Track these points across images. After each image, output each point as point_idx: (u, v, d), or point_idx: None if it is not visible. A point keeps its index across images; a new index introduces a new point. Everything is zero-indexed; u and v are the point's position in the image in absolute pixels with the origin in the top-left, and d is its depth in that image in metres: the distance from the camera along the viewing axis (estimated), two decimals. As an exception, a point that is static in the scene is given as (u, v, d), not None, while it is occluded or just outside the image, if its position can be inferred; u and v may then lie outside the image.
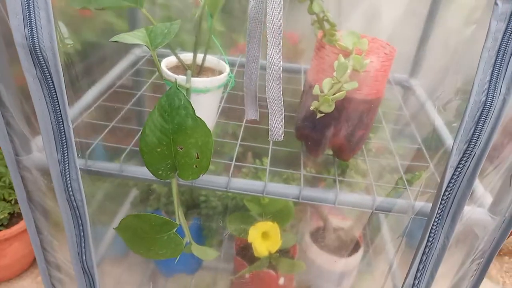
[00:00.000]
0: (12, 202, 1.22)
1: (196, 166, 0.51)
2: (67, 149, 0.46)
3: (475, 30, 0.56)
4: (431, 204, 0.51)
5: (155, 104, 0.49)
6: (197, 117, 0.48)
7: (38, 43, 0.39)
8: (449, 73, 0.70)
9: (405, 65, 0.95)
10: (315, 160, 0.73)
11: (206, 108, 0.62)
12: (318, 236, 0.87)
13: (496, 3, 0.38)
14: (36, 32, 0.39)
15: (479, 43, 0.41)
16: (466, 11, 0.64)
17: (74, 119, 0.70)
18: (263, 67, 0.47)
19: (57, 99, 0.43)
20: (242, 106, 0.54)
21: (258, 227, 0.77)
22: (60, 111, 0.43)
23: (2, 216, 1.18)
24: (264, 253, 0.77)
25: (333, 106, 0.56)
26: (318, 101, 0.57)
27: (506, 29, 0.39)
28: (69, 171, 0.48)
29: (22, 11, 0.38)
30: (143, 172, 0.62)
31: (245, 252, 0.87)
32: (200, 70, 0.64)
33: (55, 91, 0.42)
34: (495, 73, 0.40)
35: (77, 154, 0.47)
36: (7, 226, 1.20)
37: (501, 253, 1.54)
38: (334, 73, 0.55)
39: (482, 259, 0.60)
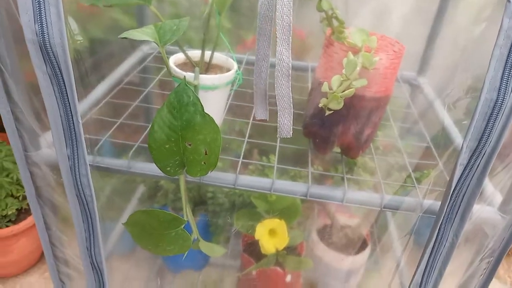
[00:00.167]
0: (20, 198, 1.23)
1: (204, 163, 0.51)
2: (76, 144, 0.46)
3: (485, 27, 0.55)
4: (439, 203, 0.50)
5: (163, 101, 0.49)
6: (206, 113, 0.48)
7: (49, 39, 0.39)
8: (458, 71, 0.69)
9: (413, 63, 0.95)
10: (323, 158, 0.73)
11: (214, 105, 0.63)
12: (325, 233, 0.87)
13: (508, 1, 0.38)
14: (47, 28, 0.39)
15: (489, 41, 0.41)
16: (476, 8, 0.64)
17: (83, 115, 0.70)
18: (271, 64, 0.47)
19: (67, 95, 0.43)
20: (250, 104, 0.54)
21: (266, 224, 0.77)
22: (70, 107, 0.44)
23: (10, 212, 1.19)
24: (271, 250, 0.78)
25: (342, 104, 0.56)
26: (327, 98, 0.56)
27: (518, 26, 0.39)
28: (78, 167, 0.48)
29: (33, 7, 0.38)
30: (151, 168, 0.62)
31: (252, 249, 0.87)
32: (208, 67, 0.64)
33: (65, 87, 0.42)
34: (506, 71, 0.40)
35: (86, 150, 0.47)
36: (14, 222, 1.21)
37: (509, 252, 1.53)
38: (343, 71, 0.55)
39: (491, 258, 0.60)
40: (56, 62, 0.41)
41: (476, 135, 0.43)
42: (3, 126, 0.54)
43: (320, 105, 0.57)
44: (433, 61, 0.94)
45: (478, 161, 0.45)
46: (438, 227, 0.50)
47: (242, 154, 0.67)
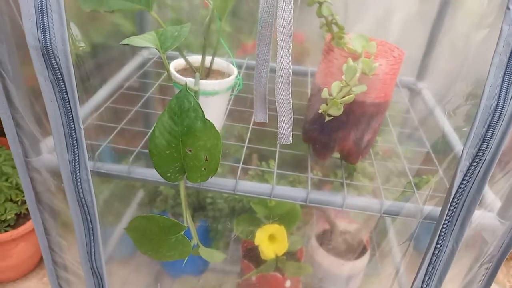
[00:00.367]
0: (19, 202, 1.22)
1: (204, 169, 0.52)
2: (77, 150, 0.46)
3: (484, 34, 0.56)
4: (439, 209, 0.50)
5: (163, 106, 0.49)
6: (206, 119, 0.48)
7: (51, 45, 0.39)
8: (458, 77, 0.70)
9: (412, 68, 0.95)
10: (322, 163, 0.73)
11: (214, 110, 0.63)
12: (324, 239, 0.87)
13: (508, 8, 0.38)
14: (49, 34, 0.39)
15: (489, 47, 0.41)
16: (475, 15, 0.64)
17: (83, 121, 0.70)
18: (272, 69, 0.47)
19: (69, 101, 0.43)
20: (250, 109, 0.54)
21: (265, 229, 0.77)
22: (72, 113, 0.44)
23: (9, 217, 1.18)
24: (271, 256, 0.77)
25: (342, 109, 0.56)
26: (327, 104, 0.57)
27: (517, 33, 0.39)
28: (79, 172, 0.48)
29: (36, 13, 0.38)
30: (151, 174, 0.62)
31: (252, 254, 0.87)
32: (208, 72, 0.64)
33: (67, 93, 0.42)
34: (506, 78, 0.40)
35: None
36: (13, 226, 1.20)
37: (508, 257, 1.53)
38: (343, 76, 0.55)
39: (490, 264, 0.60)
40: (58, 68, 0.41)
41: (476, 142, 0.44)
42: (2, 130, 0.54)
43: (320, 111, 0.57)
44: (432, 66, 0.94)
45: (478, 168, 0.45)
46: (438, 234, 0.50)
47: (242, 159, 0.67)
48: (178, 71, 0.62)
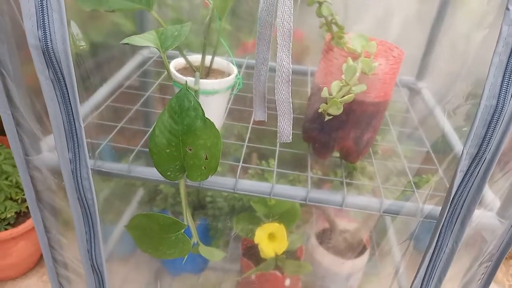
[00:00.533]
0: (19, 201, 1.22)
1: (204, 167, 0.52)
2: (78, 148, 0.46)
3: (485, 34, 0.56)
4: (439, 208, 0.51)
5: (163, 105, 0.49)
6: (207, 118, 0.49)
7: (51, 45, 0.39)
8: (458, 77, 0.70)
9: (412, 67, 0.95)
10: (322, 162, 0.73)
11: (214, 109, 0.63)
12: (324, 237, 0.87)
13: (507, 8, 0.38)
14: (50, 34, 0.39)
15: (489, 48, 0.41)
16: (474, 15, 0.64)
17: (84, 119, 0.70)
18: (272, 68, 0.47)
19: (69, 100, 0.43)
20: (249, 108, 0.54)
21: (265, 228, 0.77)
22: (72, 111, 0.44)
23: (9, 215, 1.19)
24: (271, 254, 0.78)
25: (342, 109, 0.56)
26: (327, 103, 0.57)
27: (517, 33, 0.39)
28: (80, 170, 0.48)
29: (36, 13, 0.38)
30: (151, 172, 0.63)
31: (252, 253, 0.88)
32: (208, 71, 0.64)
33: (67, 91, 0.42)
34: (506, 78, 0.40)
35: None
36: (13, 225, 1.21)
37: (507, 256, 1.54)
38: (343, 76, 0.55)
39: (490, 263, 0.60)
40: (59, 67, 0.41)
41: (476, 141, 0.44)
42: (2, 129, 0.54)
43: (320, 110, 0.58)
44: (432, 66, 0.94)
45: (478, 168, 0.45)
46: (438, 233, 0.51)
47: (242, 158, 0.67)
48: (178, 70, 0.62)
